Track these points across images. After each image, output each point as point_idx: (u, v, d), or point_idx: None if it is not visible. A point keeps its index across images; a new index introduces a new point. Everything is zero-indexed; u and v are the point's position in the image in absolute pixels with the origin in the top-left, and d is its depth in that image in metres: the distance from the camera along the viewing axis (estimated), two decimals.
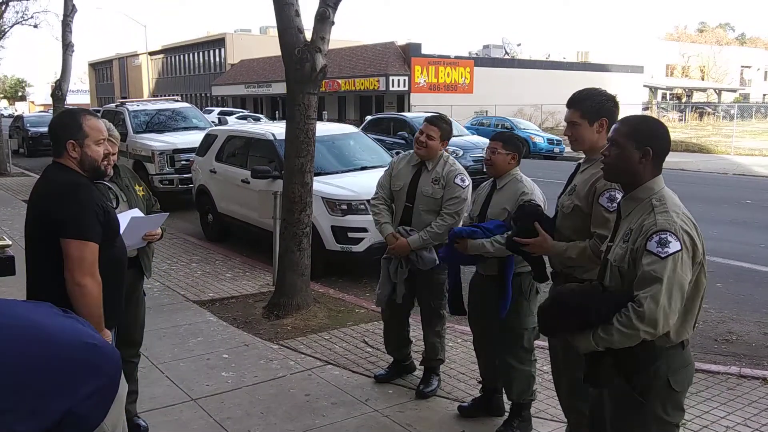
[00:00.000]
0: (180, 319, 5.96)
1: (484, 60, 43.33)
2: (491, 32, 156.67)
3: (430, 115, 4.59)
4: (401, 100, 39.49)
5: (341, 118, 41.17)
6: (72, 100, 63.36)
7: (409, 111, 37.08)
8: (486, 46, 46.47)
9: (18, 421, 1.97)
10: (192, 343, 5.38)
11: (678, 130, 36.01)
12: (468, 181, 4.34)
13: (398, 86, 38.02)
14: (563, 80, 41.03)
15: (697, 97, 57.85)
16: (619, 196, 2.85)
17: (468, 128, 28.16)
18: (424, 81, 38.74)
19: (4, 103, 61.51)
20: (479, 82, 40.71)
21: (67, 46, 14.28)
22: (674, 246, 2.25)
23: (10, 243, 4.15)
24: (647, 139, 2.43)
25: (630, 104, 37.77)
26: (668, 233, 2.27)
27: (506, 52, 46.52)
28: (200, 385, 4.57)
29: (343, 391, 4.48)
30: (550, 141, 23.74)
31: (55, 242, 2.68)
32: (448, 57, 40.63)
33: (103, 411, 2.15)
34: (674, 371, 2.39)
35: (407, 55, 38.84)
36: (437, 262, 4.28)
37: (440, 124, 4.36)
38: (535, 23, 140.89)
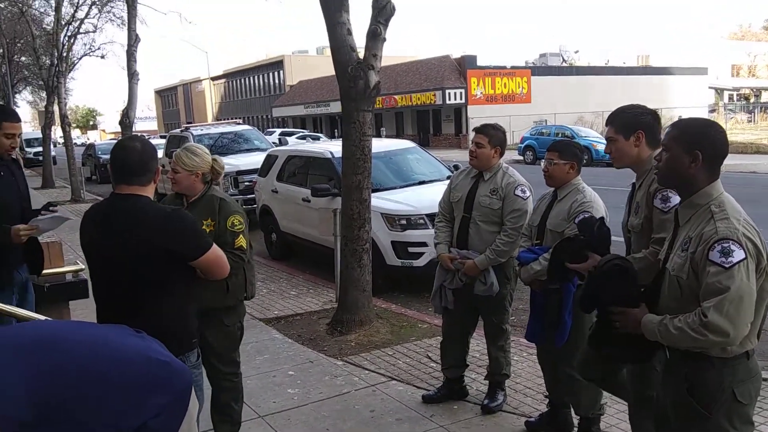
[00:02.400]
0: (247, 336, 5.98)
1: (541, 69, 42.93)
2: (548, 40, 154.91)
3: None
4: (458, 114, 39.49)
5: (399, 134, 41.43)
6: (140, 127, 65.76)
7: (466, 124, 37.06)
8: (543, 55, 46.08)
9: None
10: (258, 360, 5.48)
11: (747, 131, 34.70)
12: (529, 193, 4.28)
13: (455, 99, 38.01)
14: (624, 85, 40.26)
15: (766, 96, 55.61)
16: (671, 196, 2.84)
17: (527, 138, 27.96)
18: (481, 93, 38.64)
19: (77, 132, 64.61)
20: (537, 91, 40.32)
21: (132, 75, 14.83)
22: (738, 255, 2.17)
23: (84, 267, 4.33)
24: (696, 143, 2.35)
25: (695, 107, 36.75)
26: (731, 242, 2.18)
27: (564, 60, 46.03)
28: (267, 402, 4.64)
29: (408, 407, 4.47)
30: None
31: (171, 269, 2.76)
32: (504, 67, 40.43)
33: (174, 427, 2.22)
34: (739, 383, 2.29)
35: (463, 67, 38.87)
36: (495, 292, 4.25)
37: (488, 130, 4.32)
38: (592, 29, 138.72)
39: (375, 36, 6.06)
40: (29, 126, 67.46)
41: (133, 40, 14.72)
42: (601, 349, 2.81)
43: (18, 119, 3.85)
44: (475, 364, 4.98)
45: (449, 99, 37.91)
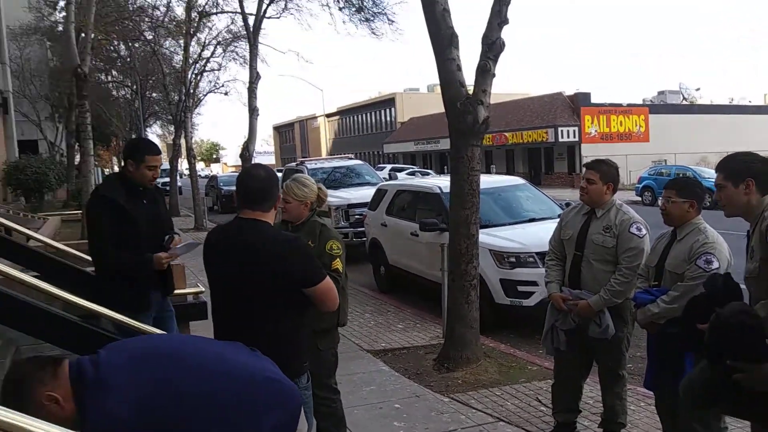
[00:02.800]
0: (355, 367, 6.13)
1: (659, 107, 41.36)
2: (666, 78, 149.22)
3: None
4: (571, 151, 38.61)
5: (509, 172, 40.93)
6: (258, 160, 68.75)
7: (579, 162, 36.14)
8: (661, 92, 44.37)
9: None
10: (365, 391, 5.50)
11: None
12: (645, 230, 4.10)
13: (568, 137, 37.22)
14: (749, 125, 38.07)
15: None
16: None
17: (645, 178, 26.85)
18: (596, 131, 37.65)
19: (201, 164, 68.62)
20: (656, 130, 38.80)
21: (252, 111, 15.68)
22: None
23: (204, 290, 4.54)
24: None
25: None
26: None
27: (684, 98, 44.12)
28: None
29: None
30: None
31: (288, 293, 2.85)
32: (620, 105, 39.26)
33: None
34: None
35: (576, 104, 38.10)
36: (611, 335, 4.07)
37: (599, 166, 4.20)
38: (714, 66, 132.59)
39: (484, 71, 6.07)
40: None
41: (253, 78, 15.59)
42: (717, 405, 2.59)
43: (158, 152, 4.10)
44: (589, 411, 4.76)
45: (562, 137, 37.16)
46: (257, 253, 2.82)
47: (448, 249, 6.56)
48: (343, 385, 5.56)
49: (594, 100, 38.97)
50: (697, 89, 49.08)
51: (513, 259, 7.40)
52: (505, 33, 6.07)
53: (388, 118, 59.64)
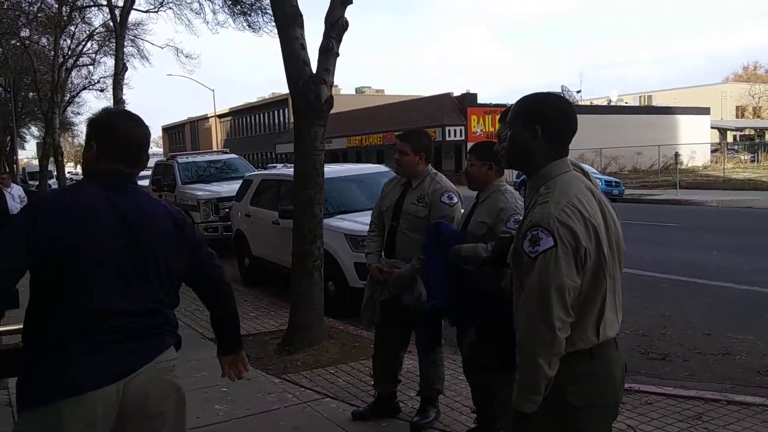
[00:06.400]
0: (192, 355, 5.84)
1: None
2: (551, 80, 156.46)
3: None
4: (458, 150, 39.55)
5: None
6: (150, 162, 66.35)
7: (466, 160, 37.03)
8: None
9: None
10: (195, 377, 5.26)
11: (749, 170, 34.66)
12: (456, 199, 4.11)
13: (454, 136, 38.10)
14: (626, 124, 40.39)
15: None
16: None
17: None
18: (481, 130, 38.68)
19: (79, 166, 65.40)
20: None
21: (117, 102, 15.02)
22: (545, 243, 1.90)
23: None
24: (534, 118, 2.09)
25: (698, 143, 36.75)
26: (539, 229, 1.92)
27: None
28: (191, 417, 4.34)
29: (335, 424, 4.25)
30: (608, 183, 22.94)
31: None
32: (505, 105, 40.54)
33: None
34: (573, 381, 1.98)
35: (463, 105, 39.07)
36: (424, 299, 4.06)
37: (409, 137, 4.16)
38: (594, 69, 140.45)
39: (327, 50, 6.02)
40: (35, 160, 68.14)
41: (120, 69, 14.93)
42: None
43: None
44: (414, 381, 4.75)
45: (449, 136, 37.98)
46: None
47: (292, 230, 6.43)
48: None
49: (481, 100, 40.11)
50: (578, 91, 51.44)
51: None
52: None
53: (281, 119, 58.96)
